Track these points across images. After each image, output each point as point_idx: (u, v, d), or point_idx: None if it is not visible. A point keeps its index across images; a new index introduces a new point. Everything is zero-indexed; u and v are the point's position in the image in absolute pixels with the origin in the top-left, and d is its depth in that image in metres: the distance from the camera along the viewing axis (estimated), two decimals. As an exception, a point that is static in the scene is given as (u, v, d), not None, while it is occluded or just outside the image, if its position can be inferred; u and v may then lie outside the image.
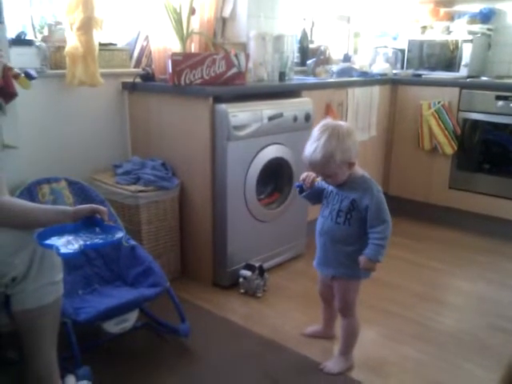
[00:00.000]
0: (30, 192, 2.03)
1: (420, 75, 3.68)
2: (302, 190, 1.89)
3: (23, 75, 1.73)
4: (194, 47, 2.88)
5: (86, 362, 1.75)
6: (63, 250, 1.34)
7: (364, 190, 1.74)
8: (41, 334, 1.53)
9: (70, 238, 1.40)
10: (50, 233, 1.40)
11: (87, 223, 1.47)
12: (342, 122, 1.73)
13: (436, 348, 2.09)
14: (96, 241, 1.43)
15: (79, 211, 1.49)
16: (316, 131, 1.70)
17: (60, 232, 1.42)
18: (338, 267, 1.85)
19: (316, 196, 1.89)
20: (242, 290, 2.50)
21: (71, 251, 1.35)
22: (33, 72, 2.00)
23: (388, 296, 2.52)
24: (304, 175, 1.86)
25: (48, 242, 1.37)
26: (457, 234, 3.40)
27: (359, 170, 1.78)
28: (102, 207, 1.52)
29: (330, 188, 1.83)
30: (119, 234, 1.46)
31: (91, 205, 1.53)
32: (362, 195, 1.74)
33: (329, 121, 1.74)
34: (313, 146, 1.68)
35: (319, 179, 1.83)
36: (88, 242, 1.40)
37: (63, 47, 2.35)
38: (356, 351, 2.00)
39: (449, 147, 3.37)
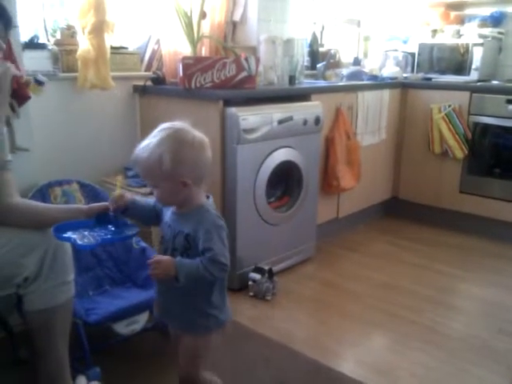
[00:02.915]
0: (42, 194, 2.05)
1: (430, 79, 3.67)
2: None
3: (33, 82, 1.75)
4: (204, 51, 2.89)
5: (96, 362, 1.76)
6: (80, 243, 1.35)
7: (198, 223, 1.33)
8: (52, 334, 1.54)
9: (85, 232, 1.40)
10: (66, 227, 1.42)
11: (101, 220, 1.47)
12: (196, 132, 1.35)
13: (445, 353, 2.08)
14: (110, 236, 1.43)
15: (93, 208, 1.50)
16: (157, 128, 1.36)
17: (75, 227, 1.42)
18: (182, 319, 1.42)
19: (145, 214, 1.48)
20: (252, 293, 2.50)
21: (88, 244, 1.36)
22: (42, 77, 2.02)
23: (397, 300, 2.51)
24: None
25: (64, 235, 1.38)
26: (467, 239, 3.38)
27: (201, 199, 1.38)
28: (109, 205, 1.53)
29: (166, 218, 1.42)
30: (134, 230, 1.47)
31: (105, 203, 1.54)
32: (196, 228, 1.33)
33: (180, 123, 1.35)
34: (146, 141, 1.33)
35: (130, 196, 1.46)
36: (105, 236, 1.41)
37: (75, 50, 2.38)
38: (366, 355, 2.00)
39: (459, 151, 3.35)
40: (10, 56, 1.87)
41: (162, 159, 1.27)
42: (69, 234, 1.38)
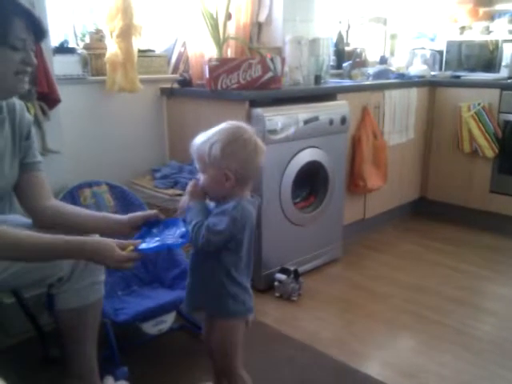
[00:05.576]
0: (72, 195, 2.09)
1: (459, 77, 3.61)
2: None
3: None
4: (230, 52, 2.91)
5: (123, 361, 1.79)
6: (170, 243, 1.34)
7: (221, 213, 1.35)
8: (82, 333, 1.57)
9: (160, 238, 1.39)
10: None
11: (147, 229, 1.45)
12: (255, 137, 1.39)
13: (474, 355, 2.04)
14: (182, 229, 1.39)
15: (134, 220, 1.49)
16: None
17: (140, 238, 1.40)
18: (207, 300, 1.47)
19: None
20: (277, 294, 2.50)
21: (179, 243, 1.35)
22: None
23: (425, 302, 2.48)
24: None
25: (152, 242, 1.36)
26: (497, 239, 3.32)
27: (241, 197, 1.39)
28: (152, 212, 1.51)
29: None
30: (182, 228, 1.41)
31: (143, 213, 1.53)
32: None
33: (244, 124, 1.42)
34: (208, 131, 1.40)
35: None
36: (179, 231, 1.38)
37: (104, 54, 2.42)
38: (392, 357, 1.98)
39: (489, 150, 3.29)
40: (40, 61, 1.91)
41: (212, 147, 1.34)
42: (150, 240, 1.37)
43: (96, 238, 1.37)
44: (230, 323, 1.48)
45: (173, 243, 1.35)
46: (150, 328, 1.88)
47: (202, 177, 1.40)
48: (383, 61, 3.97)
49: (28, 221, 1.54)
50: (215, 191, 1.40)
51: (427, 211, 3.76)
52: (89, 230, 1.50)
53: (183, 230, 1.39)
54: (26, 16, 1.32)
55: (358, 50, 3.76)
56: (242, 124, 1.42)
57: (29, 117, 1.54)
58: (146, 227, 1.46)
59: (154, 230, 1.44)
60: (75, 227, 1.51)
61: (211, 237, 1.33)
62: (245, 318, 1.49)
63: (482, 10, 3.78)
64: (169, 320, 1.94)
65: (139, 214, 1.52)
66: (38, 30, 1.36)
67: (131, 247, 1.33)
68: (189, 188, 1.43)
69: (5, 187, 1.49)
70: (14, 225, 1.51)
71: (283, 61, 2.67)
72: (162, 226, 1.46)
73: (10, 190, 1.52)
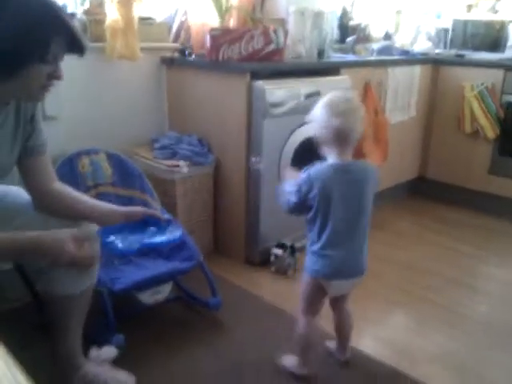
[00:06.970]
0: (70, 163, 2.07)
1: (463, 55, 3.56)
2: None
3: None
4: (232, 22, 2.85)
5: (119, 329, 1.80)
6: (121, 246, 1.35)
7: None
8: (69, 319, 1.55)
9: (132, 237, 1.40)
10: (109, 231, 1.41)
11: (142, 223, 1.46)
12: (341, 100, 1.56)
13: (467, 336, 2.06)
14: (155, 240, 1.44)
15: (131, 215, 1.48)
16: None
17: (119, 231, 1.41)
18: None
19: None
20: (273, 269, 2.51)
21: (129, 249, 1.37)
22: None
23: (421, 281, 2.49)
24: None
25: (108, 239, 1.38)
26: (494, 221, 3.32)
27: (329, 158, 1.63)
28: (154, 211, 1.51)
29: None
30: (177, 233, 1.46)
31: (144, 210, 1.53)
32: None
33: (338, 92, 1.62)
34: None
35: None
36: (146, 241, 1.41)
37: (104, 20, 2.37)
38: (385, 334, 2.00)
39: (491, 131, 3.27)
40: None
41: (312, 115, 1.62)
42: (111, 238, 1.37)
43: (49, 233, 1.27)
44: (305, 276, 1.68)
45: (122, 248, 1.37)
46: (147, 298, 1.89)
47: None
48: (387, 37, 3.91)
49: (29, 198, 1.49)
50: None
51: (426, 190, 3.76)
52: (88, 218, 1.48)
53: (164, 238, 1.45)
54: (67, 33, 1.23)
55: (363, 25, 3.71)
56: (333, 92, 1.60)
57: None
58: (143, 223, 1.46)
59: (151, 228, 1.46)
60: (75, 215, 1.47)
61: (290, 205, 1.62)
62: (317, 279, 1.64)
63: (489, -12, 3.72)
64: (165, 290, 1.95)
65: (137, 211, 1.51)
66: (77, 46, 1.27)
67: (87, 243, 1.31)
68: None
69: (5, 169, 1.45)
70: (15, 199, 1.49)
71: (286, 33, 2.62)
72: (159, 227, 1.47)
73: (12, 169, 1.47)
